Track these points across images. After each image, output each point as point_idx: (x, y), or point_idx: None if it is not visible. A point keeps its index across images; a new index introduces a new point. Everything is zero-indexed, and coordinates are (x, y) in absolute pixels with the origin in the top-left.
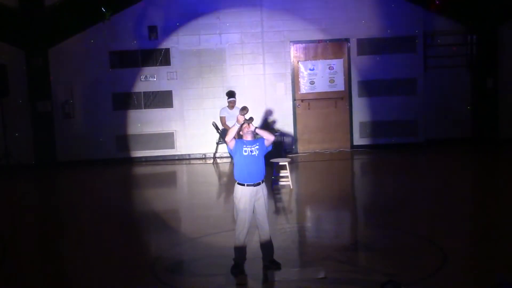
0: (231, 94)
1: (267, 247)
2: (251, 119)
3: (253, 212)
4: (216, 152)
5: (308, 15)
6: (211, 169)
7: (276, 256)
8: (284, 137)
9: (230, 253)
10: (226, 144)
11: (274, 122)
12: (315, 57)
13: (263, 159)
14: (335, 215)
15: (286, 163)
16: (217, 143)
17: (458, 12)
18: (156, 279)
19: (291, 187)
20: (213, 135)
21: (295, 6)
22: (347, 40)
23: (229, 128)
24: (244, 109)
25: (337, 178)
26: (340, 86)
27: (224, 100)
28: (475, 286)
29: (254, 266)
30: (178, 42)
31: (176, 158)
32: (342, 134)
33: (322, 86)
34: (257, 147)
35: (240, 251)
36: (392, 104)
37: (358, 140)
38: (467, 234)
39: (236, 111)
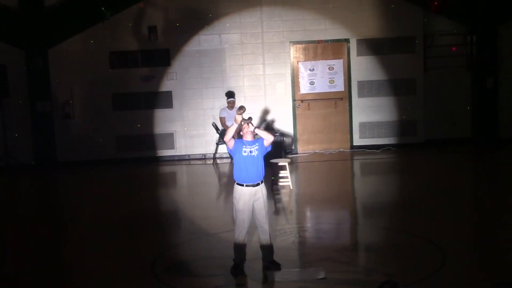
0: (230, 95)
1: (267, 247)
2: (250, 118)
3: (253, 212)
4: (216, 152)
5: (308, 15)
6: (211, 169)
7: (276, 257)
8: (284, 138)
9: (229, 254)
10: (226, 144)
11: (273, 122)
12: (315, 57)
13: (263, 159)
14: (335, 216)
15: (286, 164)
16: (217, 144)
17: (458, 13)
18: (156, 279)
19: (291, 188)
20: (212, 135)
21: (294, 7)
22: (347, 40)
23: (229, 128)
24: (241, 109)
25: (337, 178)
26: (340, 86)
27: (224, 101)
28: (475, 286)
29: (254, 266)
30: (178, 42)
31: (176, 158)
32: (341, 134)
33: (322, 86)
34: (256, 147)
35: (240, 252)
36: (392, 104)
37: (357, 140)
38: (467, 234)
39: (235, 111)
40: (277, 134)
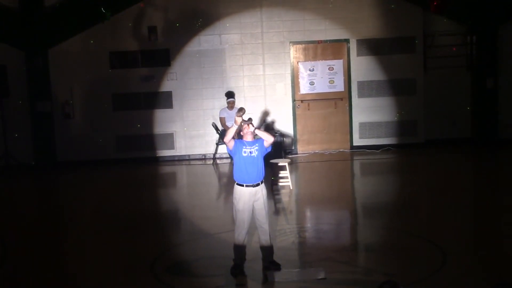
0: (230, 95)
1: (267, 247)
2: (250, 119)
3: (253, 213)
4: (215, 153)
5: (308, 15)
6: (211, 170)
7: (276, 257)
8: (284, 138)
9: (229, 254)
10: (226, 144)
11: (273, 122)
12: (315, 57)
13: (263, 160)
14: (334, 216)
15: (286, 164)
16: (217, 144)
17: (458, 13)
18: (156, 279)
19: (291, 188)
20: (212, 135)
21: (294, 7)
22: (346, 40)
23: (229, 128)
24: (240, 111)
25: (337, 178)
26: (339, 86)
27: (224, 101)
28: (475, 286)
29: (254, 266)
30: (178, 43)
31: (176, 159)
32: (341, 134)
33: (321, 86)
34: (256, 147)
35: (240, 252)
36: (392, 104)
37: (357, 140)
38: (467, 234)
39: (235, 111)
40: (277, 134)
